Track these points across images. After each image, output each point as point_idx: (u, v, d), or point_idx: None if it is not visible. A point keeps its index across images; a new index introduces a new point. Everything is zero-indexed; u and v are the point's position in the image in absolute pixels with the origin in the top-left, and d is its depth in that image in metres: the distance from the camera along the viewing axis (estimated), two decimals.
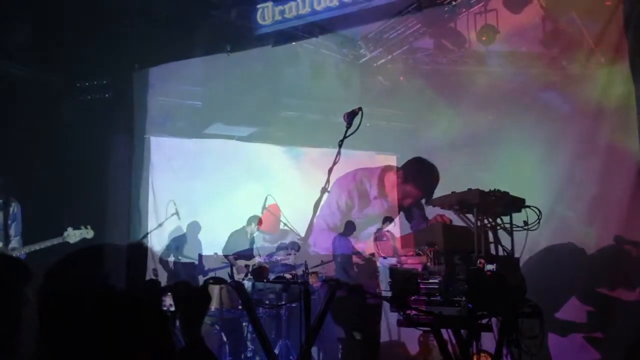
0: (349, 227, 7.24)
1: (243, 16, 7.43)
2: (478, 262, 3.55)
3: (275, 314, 6.35)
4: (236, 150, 9.33)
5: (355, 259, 7.20)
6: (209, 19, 7.26)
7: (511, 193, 3.80)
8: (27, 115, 7.21)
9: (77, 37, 7.03)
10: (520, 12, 7.34)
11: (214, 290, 6.02)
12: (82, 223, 6.47)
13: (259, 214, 8.35)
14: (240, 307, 5.86)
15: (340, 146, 4.04)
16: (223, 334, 6.16)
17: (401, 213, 5.16)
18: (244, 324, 6.36)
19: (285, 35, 7.67)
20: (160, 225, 8.26)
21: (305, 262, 6.66)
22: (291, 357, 6.11)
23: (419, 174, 4.70)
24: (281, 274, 6.60)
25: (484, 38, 7.79)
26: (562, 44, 7.86)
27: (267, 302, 5.99)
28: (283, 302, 5.81)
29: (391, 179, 4.87)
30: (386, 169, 5.05)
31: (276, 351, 5.96)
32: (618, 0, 6.62)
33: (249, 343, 6.28)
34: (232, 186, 8.96)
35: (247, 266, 7.76)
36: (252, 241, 8.30)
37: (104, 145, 7.64)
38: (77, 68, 7.80)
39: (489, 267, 3.48)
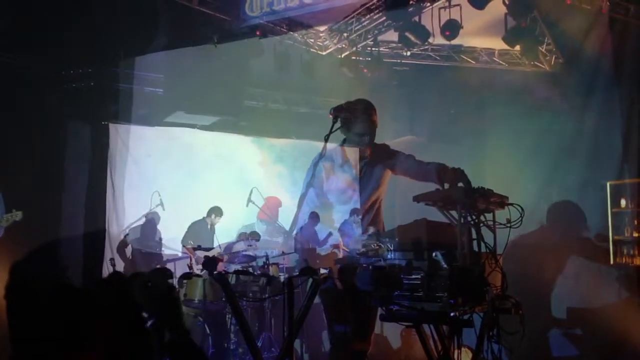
0: (313, 218, 7.24)
1: (231, 7, 7.36)
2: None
3: (258, 307, 6.35)
4: (198, 139, 9.19)
5: (317, 250, 7.18)
6: (196, 9, 7.17)
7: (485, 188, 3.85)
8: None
9: (63, 25, 6.85)
10: (483, 8, 7.42)
11: (197, 282, 5.94)
12: (37, 210, 6.56)
13: (220, 206, 8.30)
14: (223, 299, 5.79)
15: (326, 140, 4.05)
16: (206, 326, 6.14)
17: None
18: (227, 316, 6.34)
19: (272, 29, 7.66)
20: (144, 216, 8.07)
21: (266, 253, 6.64)
22: (273, 349, 6.11)
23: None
24: (241, 266, 6.58)
25: (447, 33, 7.85)
26: (524, 41, 8.00)
27: (250, 294, 5.96)
28: (266, 295, 5.78)
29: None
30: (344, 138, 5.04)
31: (259, 343, 5.96)
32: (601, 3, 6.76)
33: (232, 335, 6.26)
34: (193, 176, 8.84)
35: (206, 257, 7.70)
36: (212, 232, 8.22)
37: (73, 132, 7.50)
38: (62, 56, 7.61)
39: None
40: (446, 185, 4.09)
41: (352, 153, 4.75)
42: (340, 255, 6.72)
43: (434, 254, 3.62)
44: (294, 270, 7.07)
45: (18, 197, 6.74)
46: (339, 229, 5.27)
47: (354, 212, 6.18)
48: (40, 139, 7.33)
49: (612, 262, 6.55)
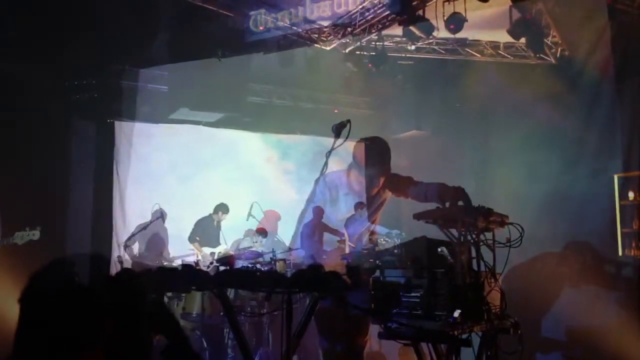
0: (317, 213, 7.24)
1: (236, 22, 7.36)
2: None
3: (256, 322, 6.33)
4: (203, 136, 9.19)
5: (323, 246, 7.18)
6: (201, 23, 7.16)
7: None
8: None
9: (69, 37, 6.86)
10: (488, 1, 7.36)
11: (196, 296, 5.93)
12: (42, 218, 6.50)
13: (226, 203, 8.30)
14: (221, 313, 5.78)
15: (327, 157, 3.95)
16: (204, 340, 6.12)
17: None
18: (225, 330, 6.32)
19: (277, 44, 7.66)
20: (144, 228, 7.96)
21: (273, 249, 6.65)
22: None
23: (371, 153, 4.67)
24: (248, 263, 6.57)
25: (452, 26, 7.80)
26: (529, 33, 7.95)
27: (248, 309, 5.94)
28: (265, 310, 5.78)
29: (354, 175, 4.88)
30: (350, 166, 5.05)
31: (256, 359, 5.95)
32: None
33: (229, 350, 6.25)
34: (198, 172, 8.85)
35: (212, 254, 7.69)
36: (219, 229, 8.22)
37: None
38: (67, 66, 7.63)
39: None
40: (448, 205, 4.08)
41: (357, 184, 4.76)
42: (347, 250, 6.71)
43: (439, 249, 3.59)
44: (300, 266, 7.08)
45: (23, 199, 6.74)
46: (345, 224, 5.30)
47: (358, 206, 6.17)
48: (43, 139, 7.34)
49: (620, 254, 6.53)
